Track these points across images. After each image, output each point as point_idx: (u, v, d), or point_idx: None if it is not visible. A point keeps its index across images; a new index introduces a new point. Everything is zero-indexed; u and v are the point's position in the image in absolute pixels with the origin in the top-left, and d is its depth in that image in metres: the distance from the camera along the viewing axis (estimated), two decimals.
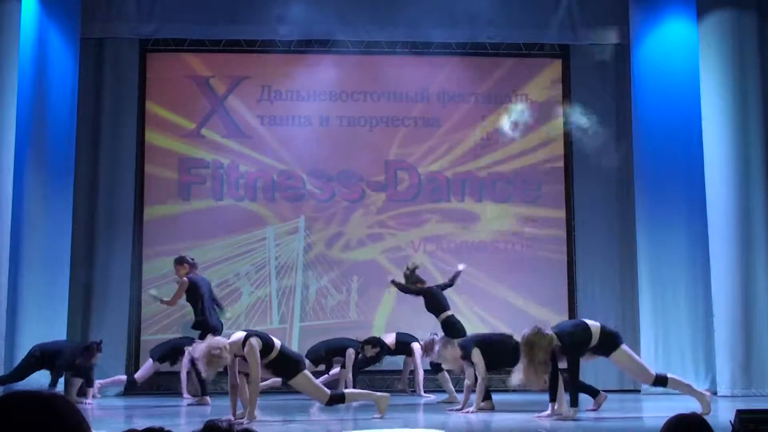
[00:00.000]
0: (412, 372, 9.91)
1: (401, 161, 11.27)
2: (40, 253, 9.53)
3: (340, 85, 11.20)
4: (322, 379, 9.11)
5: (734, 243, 9.39)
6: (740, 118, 9.54)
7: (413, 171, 11.26)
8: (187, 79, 11.20)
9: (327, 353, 9.75)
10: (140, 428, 1.94)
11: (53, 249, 9.76)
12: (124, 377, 9.75)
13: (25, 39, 9.29)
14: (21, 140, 9.15)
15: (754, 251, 9.40)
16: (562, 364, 7.28)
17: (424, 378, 9.75)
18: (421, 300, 9.08)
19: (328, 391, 7.52)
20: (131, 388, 9.80)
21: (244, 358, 7.15)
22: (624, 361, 7.50)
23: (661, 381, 7.49)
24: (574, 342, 7.22)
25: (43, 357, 8.85)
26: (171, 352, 9.47)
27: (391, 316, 10.77)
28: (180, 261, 9.30)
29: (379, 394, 7.63)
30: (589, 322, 7.50)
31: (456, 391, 9.11)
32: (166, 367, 9.64)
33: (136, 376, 9.63)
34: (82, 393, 9.26)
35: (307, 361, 8.38)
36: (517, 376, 7.14)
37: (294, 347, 10.10)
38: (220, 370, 7.42)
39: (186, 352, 9.09)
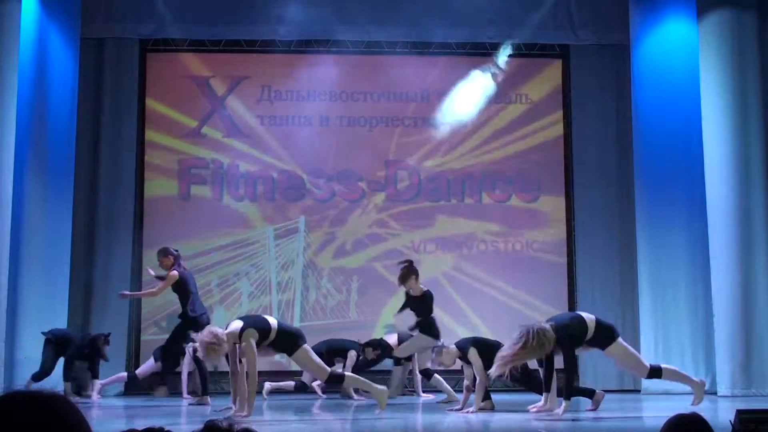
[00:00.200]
0: (411, 372, 9.90)
1: (401, 161, 11.27)
2: (40, 253, 9.53)
3: (340, 85, 11.20)
4: None
5: (734, 243, 9.39)
6: (740, 118, 9.53)
7: (413, 171, 11.26)
8: (187, 79, 11.20)
9: (328, 353, 9.75)
10: (140, 428, 1.94)
11: (53, 249, 9.76)
12: (124, 374, 9.78)
13: (25, 39, 9.28)
14: (21, 140, 9.14)
15: (754, 251, 9.39)
16: (558, 359, 7.31)
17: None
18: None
19: (329, 369, 7.57)
20: (133, 385, 9.84)
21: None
22: (619, 355, 7.54)
23: (655, 373, 7.53)
24: (570, 335, 7.24)
25: (57, 341, 9.10)
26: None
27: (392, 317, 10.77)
28: (165, 252, 9.14)
29: (378, 387, 7.65)
30: (585, 315, 7.55)
31: (455, 391, 9.12)
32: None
33: (138, 372, 9.73)
34: (83, 389, 9.35)
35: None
36: (498, 363, 7.09)
37: None
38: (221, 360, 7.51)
39: (187, 353, 9.10)
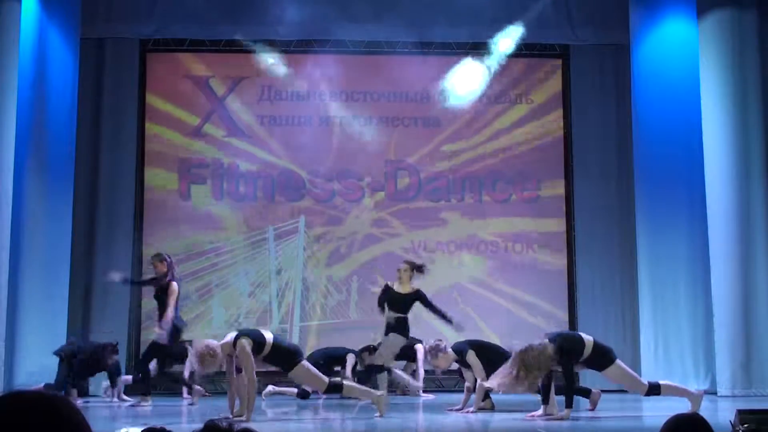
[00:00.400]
0: (414, 373, 9.88)
1: (401, 161, 11.27)
2: (40, 253, 9.53)
3: (340, 85, 11.20)
4: None
5: (734, 243, 9.38)
6: (740, 117, 9.53)
7: (413, 170, 11.26)
8: (187, 79, 11.20)
9: (326, 361, 9.68)
10: (140, 428, 1.94)
11: (53, 249, 9.75)
12: (129, 377, 9.70)
13: (25, 39, 9.28)
14: (21, 140, 9.14)
15: (754, 251, 9.39)
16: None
17: (424, 378, 9.76)
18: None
19: (327, 379, 7.57)
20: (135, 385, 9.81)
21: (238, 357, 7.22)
22: (617, 377, 7.53)
23: (654, 390, 7.49)
24: (566, 349, 7.21)
25: (67, 357, 8.95)
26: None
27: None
28: (160, 258, 8.93)
29: (377, 393, 7.64)
30: (584, 335, 7.52)
31: (455, 391, 9.12)
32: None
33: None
34: (83, 393, 9.32)
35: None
36: (499, 381, 7.09)
37: None
38: (216, 370, 7.48)
39: (189, 353, 9.06)
